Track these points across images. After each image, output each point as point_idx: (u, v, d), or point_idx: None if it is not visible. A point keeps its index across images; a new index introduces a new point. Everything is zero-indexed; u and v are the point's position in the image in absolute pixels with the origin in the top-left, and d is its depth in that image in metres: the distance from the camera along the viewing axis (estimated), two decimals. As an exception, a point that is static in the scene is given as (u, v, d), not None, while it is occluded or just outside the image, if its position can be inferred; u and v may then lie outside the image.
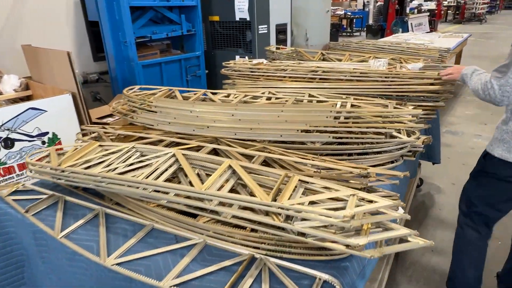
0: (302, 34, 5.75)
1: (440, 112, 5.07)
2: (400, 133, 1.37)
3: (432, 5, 15.05)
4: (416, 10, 13.15)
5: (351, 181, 1.07)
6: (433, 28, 14.57)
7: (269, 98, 1.86)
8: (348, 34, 14.88)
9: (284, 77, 2.14)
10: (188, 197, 0.96)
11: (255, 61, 2.62)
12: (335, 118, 1.32)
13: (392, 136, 1.33)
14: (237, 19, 4.20)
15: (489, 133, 3.95)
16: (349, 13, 15.37)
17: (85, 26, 4.01)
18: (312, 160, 1.18)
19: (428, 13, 13.36)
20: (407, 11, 12.05)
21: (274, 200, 0.85)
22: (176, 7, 4.02)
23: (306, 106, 1.45)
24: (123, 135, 1.44)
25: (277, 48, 3.10)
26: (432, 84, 1.85)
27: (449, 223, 2.51)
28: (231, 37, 4.39)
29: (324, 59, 2.83)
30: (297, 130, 1.31)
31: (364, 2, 17.31)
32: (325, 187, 0.90)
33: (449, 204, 2.73)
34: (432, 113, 1.79)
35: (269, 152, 1.26)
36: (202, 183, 0.97)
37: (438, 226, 2.48)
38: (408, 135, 1.40)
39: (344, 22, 15.23)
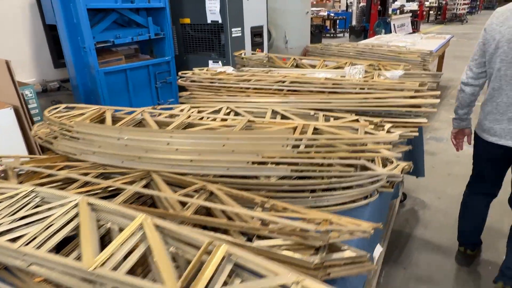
0: (281, 37, 5.51)
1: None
2: (374, 162, 1.12)
3: (414, 6, 15.06)
4: (398, 11, 13.11)
5: (308, 237, 0.82)
6: (415, 28, 14.59)
7: (227, 114, 1.60)
8: (332, 35, 14.75)
9: (248, 88, 1.88)
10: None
11: (219, 69, 2.36)
12: (294, 146, 1.07)
13: (365, 168, 1.09)
14: (209, 21, 3.92)
15: None
16: (332, 14, 15.25)
17: (43, 30, 3.68)
18: (261, 205, 0.92)
19: (410, 14, 13.34)
20: (390, 12, 11.99)
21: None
22: (143, 9, 3.72)
23: (257, 133, 1.18)
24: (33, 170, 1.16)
25: (253, 54, 2.84)
26: (413, 97, 1.62)
27: (435, 244, 2.29)
28: (204, 41, 4.12)
29: (297, 66, 2.59)
30: (247, 162, 1.06)
31: (347, 3, 17.25)
32: (260, 265, 0.64)
33: (435, 221, 2.52)
34: (414, 131, 1.56)
35: (210, 194, 1.00)
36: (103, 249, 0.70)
37: (423, 249, 2.26)
38: (384, 164, 1.16)
39: (328, 23, 15.12)
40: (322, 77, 1.85)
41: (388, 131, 1.32)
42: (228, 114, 1.58)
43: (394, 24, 11.56)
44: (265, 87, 1.84)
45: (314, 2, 20.41)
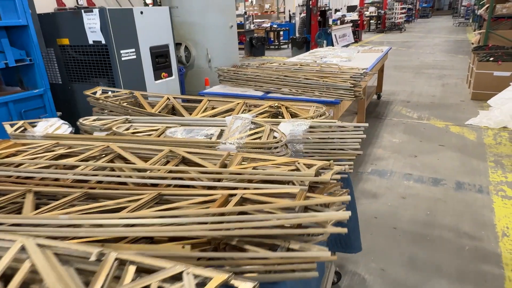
0: (203, 55, 4.76)
1: (366, 143, 4.31)
2: None
3: (355, 16, 15.16)
4: (339, 21, 13.00)
5: None
6: (357, 38, 14.65)
7: None
8: (276, 47, 14.36)
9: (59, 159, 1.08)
10: None
11: (45, 127, 1.52)
12: None
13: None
14: (90, 42, 3.05)
15: (421, 170, 3.23)
16: (275, 26, 14.90)
17: None
18: None
19: (351, 24, 13.31)
20: (330, 22, 11.81)
21: None
22: (-6, 28, 2.79)
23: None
24: None
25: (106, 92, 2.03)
26: (307, 197, 0.89)
27: None
28: (89, 66, 3.23)
29: (174, 109, 1.82)
30: None
31: (289, 14, 17.04)
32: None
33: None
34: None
35: None
36: None
37: None
38: None
39: (272, 35, 14.73)
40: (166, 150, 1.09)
41: None
42: None
43: (335, 35, 11.36)
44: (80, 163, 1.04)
45: (259, 14, 20.12)
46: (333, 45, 10.58)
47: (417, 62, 9.00)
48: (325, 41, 10.82)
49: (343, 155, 1.36)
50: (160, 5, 5.39)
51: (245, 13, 13.28)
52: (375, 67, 4.25)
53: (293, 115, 1.66)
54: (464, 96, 5.50)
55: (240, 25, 12.18)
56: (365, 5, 17.92)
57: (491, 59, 5.10)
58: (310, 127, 1.30)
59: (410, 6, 22.61)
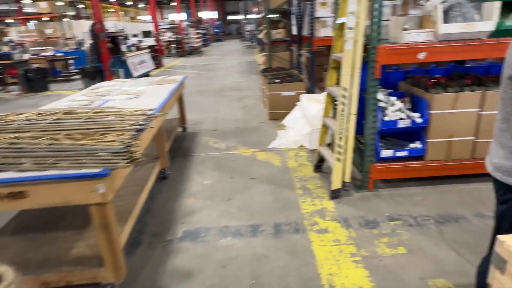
0: None
1: (174, 194, 3.25)
2: None
3: (152, 41, 14.70)
4: (135, 47, 12.19)
5: None
6: (159, 63, 14.21)
7: None
8: (65, 78, 12.21)
9: None
10: None
11: None
12: None
13: None
14: None
15: (237, 217, 2.75)
16: (61, 54, 12.70)
17: None
18: None
19: (149, 50, 12.75)
20: (125, 49, 10.88)
21: None
22: None
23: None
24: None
25: None
26: None
27: None
28: None
29: None
30: None
31: (77, 40, 14.96)
32: None
33: None
34: None
35: None
36: None
37: None
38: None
39: (60, 64, 12.45)
40: None
41: None
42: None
43: (132, 62, 10.51)
44: None
45: (40, 40, 16.90)
46: (130, 74, 9.68)
47: (218, 85, 9.20)
48: (122, 70, 9.80)
49: None
50: None
51: (12, 41, 10.66)
52: (169, 102, 3.68)
53: None
54: (263, 117, 5.69)
55: (4, 56, 9.64)
56: (161, 30, 17.83)
57: (277, 80, 5.42)
58: None
59: (204, 31, 24.15)
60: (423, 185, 3.14)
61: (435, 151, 3.02)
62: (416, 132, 3.08)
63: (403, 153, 3.04)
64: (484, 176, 3.17)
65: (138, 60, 10.98)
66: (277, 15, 8.66)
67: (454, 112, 2.90)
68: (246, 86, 8.78)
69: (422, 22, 2.87)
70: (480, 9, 2.69)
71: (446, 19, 2.66)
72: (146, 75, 11.19)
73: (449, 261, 2.21)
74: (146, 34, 17.46)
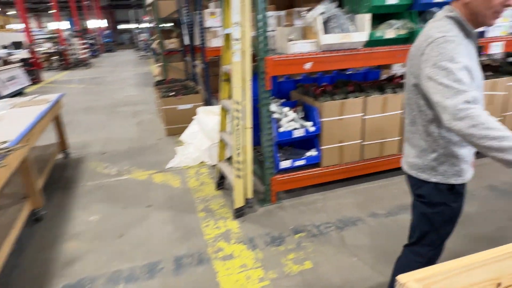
0: None
1: (50, 241, 2.62)
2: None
3: (25, 54, 12.74)
4: (1, 61, 10.38)
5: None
6: (36, 78, 12.36)
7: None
8: None
9: None
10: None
11: None
12: None
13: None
14: None
15: (132, 257, 2.33)
16: None
17: None
18: None
19: (22, 63, 11.00)
20: (-13, 63, 9.14)
21: None
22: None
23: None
24: None
25: None
26: None
27: None
28: None
29: None
30: None
31: None
32: None
33: None
34: None
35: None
36: None
37: None
38: None
39: None
40: None
41: None
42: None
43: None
44: None
45: None
46: (-3, 93, 8.16)
47: (109, 100, 8.38)
48: (-16, 88, 8.18)
49: None
50: None
51: None
52: (37, 128, 3.07)
53: None
54: (160, 134, 5.29)
55: None
56: (37, 41, 15.67)
57: (172, 93, 5.10)
58: None
59: (92, 41, 22.11)
60: (322, 190, 3.21)
61: (329, 157, 3.11)
62: (311, 140, 3.13)
63: (301, 162, 3.06)
64: (374, 175, 3.42)
65: (7, 76, 9.35)
66: (170, 24, 8.29)
67: (342, 118, 3.02)
68: (141, 99, 8.17)
69: (305, 33, 2.92)
70: (354, 21, 2.85)
71: (326, 30, 2.75)
72: (19, 93, 9.61)
73: (352, 268, 2.23)
74: (17, 45, 15.14)
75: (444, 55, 1.19)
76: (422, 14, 2.99)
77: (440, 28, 1.26)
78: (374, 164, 3.25)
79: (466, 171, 1.42)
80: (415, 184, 1.49)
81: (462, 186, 1.43)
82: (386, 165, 3.31)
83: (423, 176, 1.43)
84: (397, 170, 3.41)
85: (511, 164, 1.08)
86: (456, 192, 1.42)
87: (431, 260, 1.53)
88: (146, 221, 2.93)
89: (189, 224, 2.84)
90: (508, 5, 1.24)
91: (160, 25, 7.67)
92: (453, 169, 1.39)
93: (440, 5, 2.93)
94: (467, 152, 1.39)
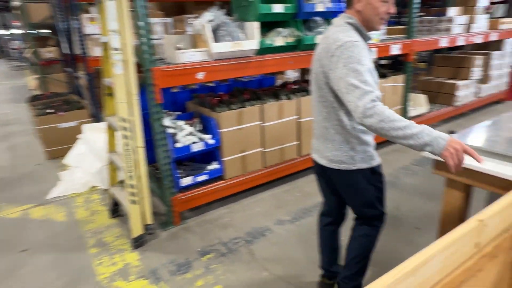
0: None
1: None
2: None
3: None
4: None
5: None
6: None
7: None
8: None
9: None
10: None
11: None
12: None
13: None
14: None
15: None
16: None
17: None
18: None
19: None
20: None
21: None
22: None
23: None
24: None
25: None
26: None
27: None
28: None
29: None
30: None
31: None
32: None
33: None
34: None
35: None
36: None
37: None
38: None
39: None
40: None
41: None
42: None
43: None
44: None
45: None
46: None
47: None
48: None
49: None
50: None
51: None
52: None
53: None
54: (39, 158, 4.52)
55: None
56: None
57: (50, 110, 4.41)
58: None
59: None
60: (228, 203, 3.10)
61: (231, 168, 3.01)
62: (212, 153, 2.99)
63: (203, 177, 2.89)
64: (277, 180, 3.47)
65: None
66: (47, 31, 7.24)
67: (241, 128, 2.96)
68: (14, 118, 6.95)
69: (195, 41, 2.77)
70: (243, 29, 2.81)
71: (216, 38, 2.64)
72: None
73: (263, 284, 2.16)
74: None
75: (353, 58, 1.31)
76: (306, 22, 3.12)
77: (345, 32, 1.39)
78: (276, 170, 3.27)
79: (376, 154, 1.60)
80: (339, 175, 1.59)
81: (379, 166, 1.62)
82: (288, 169, 3.37)
83: (345, 166, 1.54)
84: (298, 173, 3.51)
85: (417, 147, 1.21)
86: (377, 172, 1.61)
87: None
88: (21, 270, 2.40)
89: (78, 265, 2.41)
90: (390, 13, 1.45)
91: (33, 32, 6.65)
92: (367, 154, 1.55)
93: (321, 15, 3.10)
94: (371, 138, 1.58)
